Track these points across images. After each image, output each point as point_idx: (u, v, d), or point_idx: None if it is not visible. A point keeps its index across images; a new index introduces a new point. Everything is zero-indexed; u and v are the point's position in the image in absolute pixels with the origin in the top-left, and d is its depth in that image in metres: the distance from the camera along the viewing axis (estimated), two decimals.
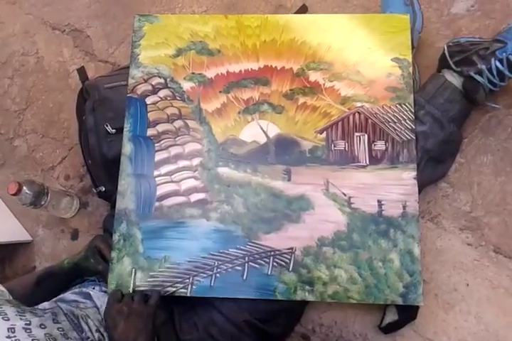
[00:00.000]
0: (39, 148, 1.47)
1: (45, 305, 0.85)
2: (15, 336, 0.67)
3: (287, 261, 0.96)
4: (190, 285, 0.95)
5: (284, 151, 1.01)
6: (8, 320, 0.70)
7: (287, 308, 1.01)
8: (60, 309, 0.83)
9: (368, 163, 1.00)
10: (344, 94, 1.03)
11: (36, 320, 0.73)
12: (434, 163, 1.07)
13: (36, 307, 0.82)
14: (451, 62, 1.04)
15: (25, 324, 0.71)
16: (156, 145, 1.03)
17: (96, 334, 0.84)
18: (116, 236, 0.98)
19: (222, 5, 1.41)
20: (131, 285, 0.95)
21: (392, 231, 0.95)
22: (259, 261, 0.96)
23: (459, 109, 1.05)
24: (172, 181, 1.01)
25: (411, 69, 1.02)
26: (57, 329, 0.75)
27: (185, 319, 0.99)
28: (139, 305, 0.87)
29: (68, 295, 0.93)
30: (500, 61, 1.00)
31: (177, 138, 1.04)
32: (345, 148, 1.01)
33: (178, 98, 1.06)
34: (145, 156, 1.02)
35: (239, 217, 0.98)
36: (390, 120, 1.01)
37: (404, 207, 0.96)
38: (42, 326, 0.72)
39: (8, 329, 0.68)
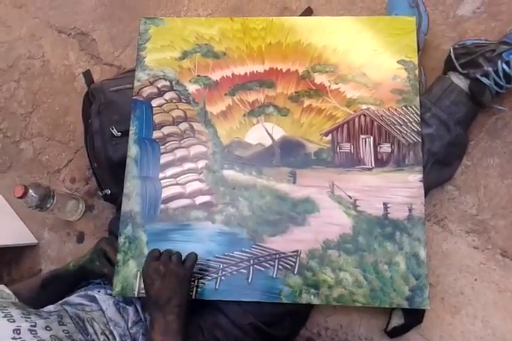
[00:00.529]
0: (45, 151, 1.47)
1: (51, 307, 0.85)
2: (20, 337, 0.67)
3: (292, 264, 0.95)
4: (195, 288, 0.95)
5: (289, 154, 1.01)
6: (14, 321, 0.70)
7: (292, 311, 1.01)
8: (65, 312, 0.83)
9: (373, 165, 0.99)
10: (350, 96, 1.03)
11: (42, 321, 0.73)
12: (440, 165, 1.06)
13: (42, 309, 0.82)
14: (457, 65, 1.04)
15: (31, 325, 0.71)
16: (161, 147, 1.03)
17: (101, 337, 0.84)
18: (121, 239, 0.98)
19: (227, 8, 1.41)
20: (137, 287, 0.95)
21: (398, 234, 0.95)
22: (264, 263, 0.95)
23: (465, 111, 1.05)
24: (177, 183, 1.01)
25: (417, 72, 1.02)
26: (63, 331, 0.75)
27: (190, 322, 0.98)
28: (176, 265, 0.88)
29: (73, 298, 0.93)
30: (507, 63, 0.99)
31: (182, 141, 1.04)
32: (350, 150, 1.00)
33: (183, 100, 1.06)
34: (150, 159, 1.03)
35: (244, 219, 0.97)
36: (395, 122, 1.00)
37: (410, 210, 0.96)
38: (47, 328, 0.72)
39: (13, 330, 0.68)
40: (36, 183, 1.23)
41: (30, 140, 1.50)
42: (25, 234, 1.41)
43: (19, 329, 0.68)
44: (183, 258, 0.91)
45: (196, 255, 0.92)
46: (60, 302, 0.90)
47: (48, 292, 0.96)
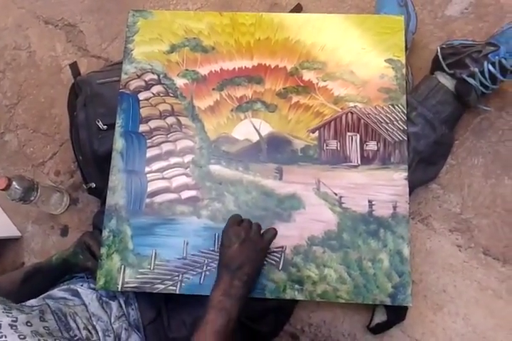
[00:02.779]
0: (30, 143, 1.46)
1: (33, 302, 0.83)
2: (1, 332, 0.67)
3: (277, 259, 0.95)
4: (179, 283, 0.95)
5: (276, 150, 1.01)
6: None
7: (276, 307, 1.01)
8: (47, 306, 0.82)
9: (359, 163, 1.00)
10: (337, 93, 1.03)
11: (23, 317, 0.72)
12: (425, 164, 1.07)
13: (23, 304, 0.81)
14: (444, 65, 1.05)
15: (12, 321, 0.70)
16: (147, 141, 1.03)
17: (84, 332, 0.83)
18: (105, 233, 0.98)
19: (216, 2, 1.41)
20: (120, 281, 0.95)
21: (382, 232, 0.95)
22: None
23: (451, 111, 1.06)
24: (163, 178, 1.01)
25: (404, 71, 1.02)
26: (44, 327, 0.74)
27: (173, 317, 0.98)
28: (255, 235, 0.90)
29: (56, 291, 0.92)
30: (493, 64, 1.00)
31: (169, 135, 1.03)
32: (337, 147, 1.01)
33: (171, 94, 1.05)
34: (136, 152, 1.02)
35: (230, 214, 0.97)
36: (382, 121, 1.01)
37: (394, 208, 0.96)
38: (28, 323, 0.72)
39: None
40: (20, 176, 1.22)
41: (14, 132, 1.48)
42: (8, 227, 1.39)
43: (0, 325, 0.68)
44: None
45: (276, 231, 0.94)
46: (42, 296, 0.89)
47: (30, 285, 0.95)
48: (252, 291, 0.92)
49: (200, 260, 0.96)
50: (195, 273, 0.95)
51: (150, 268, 0.95)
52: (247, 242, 0.87)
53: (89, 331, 0.84)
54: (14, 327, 0.68)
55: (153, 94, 1.06)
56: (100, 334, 0.86)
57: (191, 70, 1.06)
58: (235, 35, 1.07)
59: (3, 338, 0.66)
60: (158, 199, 1.00)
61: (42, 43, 1.53)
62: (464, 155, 1.13)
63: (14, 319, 0.70)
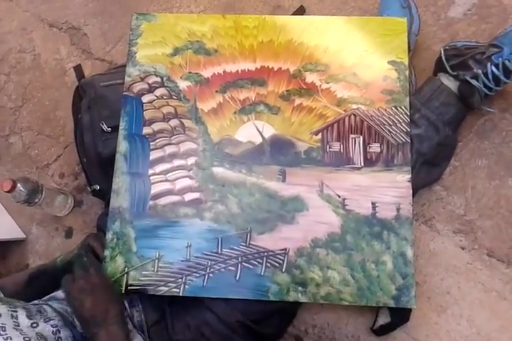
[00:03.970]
0: (34, 145, 1.46)
1: (37, 303, 0.84)
2: (6, 334, 0.67)
3: (280, 261, 0.95)
4: (182, 285, 0.95)
5: (279, 152, 1.01)
6: (0, 316, 0.70)
7: (280, 309, 1.01)
8: (51, 308, 0.82)
9: (362, 165, 1.00)
10: (340, 95, 1.03)
11: (28, 318, 0.72)
12: (428, 166, 1.07)
13: (28, 304, 0.81)
14: (447, 66, 1.05)
15: (17, 322, 0.70)
16: (151, 143, 1.03)
17: None
18: (109, 235, 0.98)
19: (220, 5, 1.41)
20: (124, 284, 0.95)
21: (386, 234, 0.95)
22: (252, 261, 0.96)
23: (455, 112, 1.06)
24: (167, 180, 1.01)
25: (407, 73, 1.03)
26: (48, 328, 0.74)
27: (177, 319, 0.98)
28: (98, 277, 0.86)
29: (60, 293, 0.92)
30: (496, 66, 1.00)
31: (172, 137, 1.04)
32: (340, 149, 1.01)
33: (174, 97, 1.06)
34: (140, 155, 1.02)
35: (233, 217, 0.97)
36: (385, 122, 1.01)
37: (398, 210, 0.96)
38: (33, 325, 0.72)
39: None
40: (25, 178, 1.22)
41: (19, 134, 1.49)
42: (13, 229, 1.40)
43: (4, 327, 0.68)
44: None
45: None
46: (46, 297, 0.89)
47: (34, 287, 0.95)
48: (250, 293, 0.93)
49: (203, 262, 0.96)
50: (198, 275, 0.95)
51: (153, 271, 0.96)
52: (96, 290, 0.83)
53: None
54: (19, 329, 0.69)
55: (156, 96, 1.06)
56: None
57: (194, 73, 1.07)
58: (238, 38, 1.08)
59: (9, 340, 0.66)
60: (161, 201, 1.00)
61: (46, 46, 1.54)
62: (467, 156, 1.13)
63: (19, 321, 0.71)
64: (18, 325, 0.70)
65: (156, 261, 0.96)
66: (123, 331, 0.81)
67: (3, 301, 0.76)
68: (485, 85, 1.02)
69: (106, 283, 0.87)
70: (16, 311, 0.73)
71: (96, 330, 0.78)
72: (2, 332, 0.67)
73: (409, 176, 0.98)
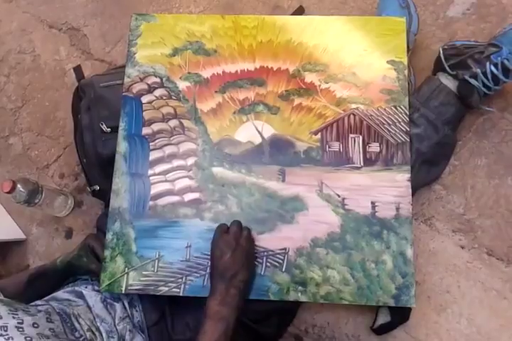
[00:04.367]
0: (34, 146, 1.47)
1: (38, 303, 0.84)
2: (7, 334, 0.67)
3: (280, 261, 0.96)
4: (183, 285, 0.95)
5: (278, 152, 1.01)
6: (1, 318, 0.70)
7: (280, 309, 1.01)
8: (52, 308, 0.83)
9: (362, 164, 1.00)
10: (339, 95, 1.03)
11: (29, 318, 0.73)
12: (428, 165, 1.07)
13: (29, 305, 0.81)
14: (446, 65, 1.05)
15: (18, 323, 0.70)
16: (150, 144, 1.03)
17: (88, 334, 0.84)
18: (109, 235, 0.98)
19: (219, 5, 1.41)
20: (124, 284, 0.95)
21: (385, 233, 0.95)
22: None
23: (454, 111, 1.06)
24: (166, 180, 1.01)
25: (406, 72, 1.03)
26: (49, 329, 0.74)
27: (177, 319, 0.98)
28: (246, 241, 0.91)
29: (61, 293, 0.93)
30: (495, 65, 1.00)
31: (172, 138, 1.04)
32: (339, 149, 1.01)
33: (173, 97, 1.06)
34: (140, 155, 1.02)
35: (233, 217, 0.97)
36: (384, 122, 1.01)
37: (397, 209, 0.96)
38: (35, 325, 0.72)
39: (0, 327, 0.68)
40: (25, 178, 1.23)
41: (19, 135, 1.49)
42: (13, 230, 1.40)
43: (6, 326, 0.68)
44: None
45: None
46: (46, 298, 0.90)
47: (34, 288, 0.96)
48: (251, 293, 0.93)
49: (203, 262, 0.96)
50: (198, 275, 0.95)
51: (154, 271, 0.96)
52: (238, 250, 0.88)
53: (92, 332, 0.84)
54: (21, 329, 0.69)
55: (156, 97, 1.06)
56: (104, 335, 0.86)
57: (194, 73, 1.07)
58: (238, 38, 1.08)
59: (10, 340, 0.66)
60: (161, 201, 1.00)
61: (46, 47, 1.54)
62: (466, 155, 1.13)
63: (20, 321, 0.71)
64: (20, 325, 0.70)
65: (156, 261, 0.96)
66: (239, 299, 0.86)
67: (4, 302, 0.76)
68: (484, 84, 1.02)
69: (251, 249, 0.93)
70: (16, 312, 0.73)
71: (218, 285, 0.86)
72: (4, 333, 0.67)
73: (409, 175, 0.98)
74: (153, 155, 1.03)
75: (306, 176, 1.00)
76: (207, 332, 0.81)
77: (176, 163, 1.02)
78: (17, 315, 0.72)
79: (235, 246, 0.88)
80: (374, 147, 1.01)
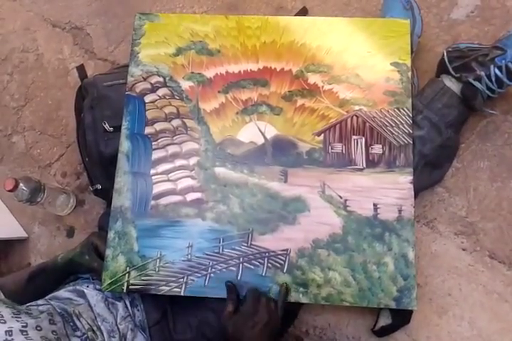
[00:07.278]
0: (37, 145, 1.47)
1: (39, 303, 0.84)
2: (12, 339, 0.67)
3: (282, 262, 0.95)
4: (184, 285, 0.95)
5: (281, 153, 1.01)
6: (5, 322, 0.69)
7: None
8: (54, 308, 0.82)
9: (364, 166, 1.00)
10: (343, 97, 1.03)
11: (32, 321, 0.72)
12: (430, 167, 1.07)
13: (30, 306, 0.81)
14: (450, 68, 1.05)
15: (22, 326, 0.70)
16: (153, 143, 1.03)
17: (89, 333, 0.84)
18: (111, 234, 0.98)
19: (222, 6, 1.42)
20: (125, 283, 0.95)
21: (387, 235, 0.95)
22: (253, 261, 0.96)
23: (457, 114, 1.06)
24: (168, 180, 1.01)
25: (410, 74, 1.02)
26: (52, 332, 0.74)
27: (178, 319, 0.98)
28: (277, 316, 0.88)
29: (62, 292, 0.92)
30: (499, 68, 1.00)
31: (174, 137, 1.04)
32: (342, 150, 1.01)
33: (176, 97, 1.06)
34: (142, 154, 1.02)
35: (234, 217, 0.97)
36: (387, 124, 1.01)
37: (399, 211, 0.96)
38: (38, 328, 0.72)
39: (5, 332, 0.67)
40: (27, 177, 1.23)
41: (22, 133, 1.49)
42: (15, 228, 1.40)
43: (11, 331, 0.68)
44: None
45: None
46: (48, 297, 0.89)
47: (34, 285, 0.95)
48: None
49: (204, 262, 0.96)
50: (200, 275, 0.95)
51: (155, 270, 0.96)
52: (270, 324, 0.86)
53: (94, 332, 0.84)
54: (25, 333, 0.69)
55: (159, 96, 1.06)
56: (105, 335, 0.86)
57: (197, 73, 1.07)
58: (241, 39, 1.08)
59: None
60: (163, 201, 1.00)
61: (49, 46, 1.54)
62: (469, 158, 1.13)
63: (24, 324, 0.70)
64: (24, 329, 0.70)
65: (158, 260, 0.96)
66: None
67: (7, 304, 0.75)
68: (488, 87, 1.02)
69: (279, 325, 0.88)
70: (19, 314, 0.73)
71: None
72: (9, 338, 0.67)
73: (411, 178, 0.98)
74: (156, 155, 1.03)
75: (308, 177, 1.00)
76: None
77: (179, 162, 1.02)
78: (20, 318, 0.72)
79: (267, 321, 0.85)
80: (377, 149, 1.00)
